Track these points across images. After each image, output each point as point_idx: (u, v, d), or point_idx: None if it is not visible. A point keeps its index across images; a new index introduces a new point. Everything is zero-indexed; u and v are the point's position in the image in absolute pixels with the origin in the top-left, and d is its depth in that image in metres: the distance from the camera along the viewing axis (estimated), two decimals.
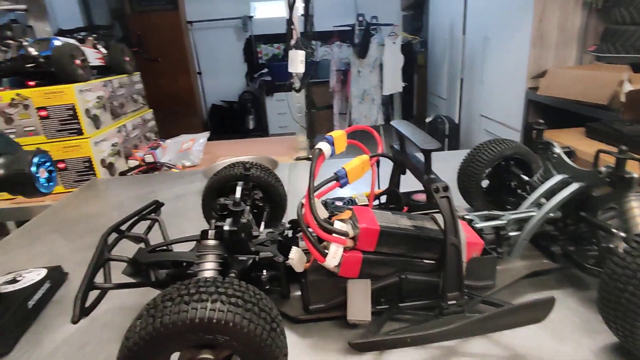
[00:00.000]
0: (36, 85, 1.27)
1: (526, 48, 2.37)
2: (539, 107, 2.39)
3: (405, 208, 0.53)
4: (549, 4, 2.27)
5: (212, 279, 0.33)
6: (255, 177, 0.58)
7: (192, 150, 1.61)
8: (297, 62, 1.03)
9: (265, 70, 4.92)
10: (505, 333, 0.44)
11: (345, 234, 0.42)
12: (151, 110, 1.88)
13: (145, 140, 1.78)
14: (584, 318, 0.46)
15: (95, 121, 1.37)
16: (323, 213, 0.46)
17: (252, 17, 4.95)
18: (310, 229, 0.42)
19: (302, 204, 0.43)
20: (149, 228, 0.55)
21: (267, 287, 0.47)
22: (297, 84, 1.17)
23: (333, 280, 0.45)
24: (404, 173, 0.55)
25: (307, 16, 1.07)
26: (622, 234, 0.45)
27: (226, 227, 0.44)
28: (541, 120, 0.57)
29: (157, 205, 0.58)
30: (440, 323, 0.40)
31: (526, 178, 0.62)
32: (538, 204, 0.54)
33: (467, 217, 0.53)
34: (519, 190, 0.63)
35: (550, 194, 0.53)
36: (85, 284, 0.41)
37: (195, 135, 1.72)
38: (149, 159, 1.54)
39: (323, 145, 0.45)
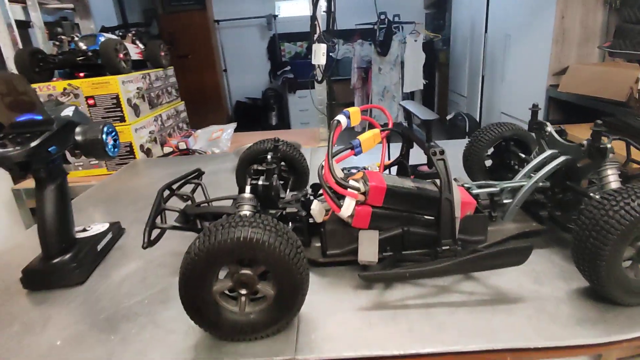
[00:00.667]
0: (85, 77, 1.41)
1: (548, 45, 2.38)
2: (559, 104, 2.40)
3: (412, 177, 0.62)
4: (571, 1, 2.28)
5: (252, 214, 0.43)
6: (283, 150, 0.68)
7: (221, 139, 1.73)
8: (319, 55, 1.12)
9: (288, 67, 5.04)
10: (491, 276, 0.52)
11: (357, 189, 0.51)
12: (183, 102, 2.01)
13: (178, 129, 1.92)
14: (563, 268, 0.53)
15: (136, 110, 1.50)
16: (340, 174, 0.55)
17: (276, 15, 5.08)
18: (328, 185, 0.51)
19: (322, 166, 0.52)
20: (193, 190, 0.66)
21: None
22: (319, 76, 1.26)
23: (347, 230, 0.55)
24: (411, 147, 0.63)
25: (330, 13, 1.15)
26: (597, 197, 0.52)
27: (260, 182, 0.53)
28: (535, 103, 0.65)
29: (199, 172, 0.68)
30: (434, 264, 0.49)
31: (524, 156, 0.69)
32: (529, 176, 0.61)
33: (465, 185, 0.61)
34: (517, 167, 0.71)
35: (540, 167, 0.60)
36: (150, 223, 0.51)
37: (224, 126, 1.84)
38: (182, 146, 1.67)
39: (341, 118, 0.54)
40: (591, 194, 0.53)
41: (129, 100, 1.45)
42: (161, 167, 1.24)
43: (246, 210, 0.53)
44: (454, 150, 0.78)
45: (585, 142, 0.54)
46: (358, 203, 0.52)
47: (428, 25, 4.61)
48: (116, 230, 0.70)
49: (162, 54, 1.81)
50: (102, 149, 0.59)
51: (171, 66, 1.93)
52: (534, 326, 0.44)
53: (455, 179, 0.63)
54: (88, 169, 1.45)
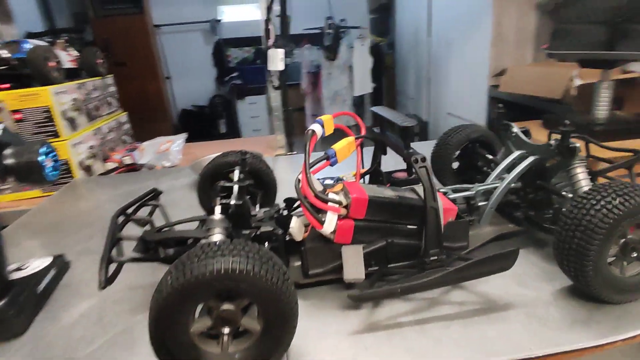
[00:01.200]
0: (10, 88, 1.26)
1: (487, 48, 2.52)
2: (500, 103, 2.54)
3: (388, 184, 0.60)
4: (506, 6, 2.43)
5: (230, 241, 0.38)
6: (250, 163, 0.63)
7: (170, 151, 1.62)
8: (277, 60, 1.08)
9: (236, 73, 4.93)
10: (478, 284, 0.51)
11: (339, 203, 0.47)
12: (125, 113, 1.87)
13: (121, 143, 1.78)
14: (544, 269, 0.54)
15: (72, 123, 1.36)
16: (318, 186, 0.51)
17: (220, 20, 4.94)
18: (308, 200, 0.47)
19: (299, 180, 0.48)
20: (151, 213, 0.59)
21: None
22: (276, 82, 1.22)
23: (329, 246, 0.51)
24: (384, 153, 0.61)
25: (284, 17, 1.12)
26: (570, 195, 0.53)
27: (232, 202, 0.48)
28: (500, 105, 0.65)
29: (156, 192, 0.61)
30: (423, 277, 0.46)
31: (490, 157, 0.70)
32: (501, 178, 0.62)
33: (442, 190, 0.60)
34: (484, 168, 0.71)
35: (510, 168, 0.61)
36: (105, 258, 0.44)
37: (172, 137, 1.73)
38: (128, 160, 1.54)
39: (315, 127, 0.51)
40: (563, 192, 0.54)
41: (63, 113, 1.31)
42: (106, 186, 1.12)
43: (217, 234, 0.48)
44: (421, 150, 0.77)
45: (553, 142, 0.55)
46: (340, 217, 0.48)
47: (373, 30, 4.71)
48: (60, 264, 0.61)
49: (99, 61, 1.67)
50: (39, 174, 0.51)
51: (110, 74, 1.79)
52: (529, 333, 0.43)
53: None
54: (17, 191, 1.29)
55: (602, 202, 0.43)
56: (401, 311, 0.48)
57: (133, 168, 1.51)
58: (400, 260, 0.53)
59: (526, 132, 0.64)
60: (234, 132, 5.06)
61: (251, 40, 5.07)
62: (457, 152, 0.76)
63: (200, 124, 4.98)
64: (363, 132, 0.58)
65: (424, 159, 0.48)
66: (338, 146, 0.53)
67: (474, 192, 0.60)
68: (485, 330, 0.44)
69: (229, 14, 5.07)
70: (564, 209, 0.47)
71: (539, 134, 1.55)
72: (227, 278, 0.35)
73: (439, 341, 0.43)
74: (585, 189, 0.53)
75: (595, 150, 0.64)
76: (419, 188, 0.54)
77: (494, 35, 2.49)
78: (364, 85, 3.90)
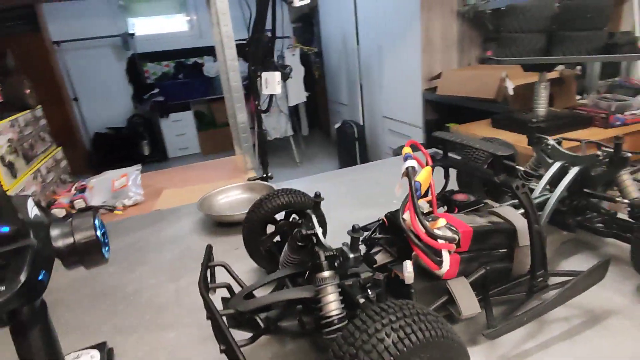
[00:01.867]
0: None
1: (418, 53, 2.69)
2: (435, 105, 2.73)
3: (455, 209, 0.60)
4: (432, 14, 2.62)
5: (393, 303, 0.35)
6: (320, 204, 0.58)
7: (129, 187, 1.45)
8: (274, 84, 1.02)
9: (156, 90, 4.59)
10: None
11: (452, 240, 0.46)
12: (60, 148, 1.63)
13: (61, 183, 1.55)
14: (612, 270, 0.58)
15: (11, 169, 1.15)
16: (426, 224, 0.50)
17: (133, 34, 4.57)
18: (422, 241, 0.45)
19: (404, 219, 0.46)
20: (212, 275, 0.52)
21: None
22: (266, 105, 1.16)
23: (433, 284, 0.49)
24: (448, 177, 0.62)
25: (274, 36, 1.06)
26: (625, 200, 0.58)
27: (351, 255, 0.44)
28: (534, 120, 0.69)
29: (210, 250, 0.54)
30: (543, 300, 0.47)
31: (522, 168, 0.74)
32: (547, 189, 0.65)
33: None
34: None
35: (555, 178, 0.65)
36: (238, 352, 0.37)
37: (125, 170, 1.55)
38: (80, 204, 1.35)
39: (411, 162, 0.49)
40: (617, 199, 0.60)
41: (2, 159, 1.10)
42: None
43: (331, 293, 0.43)
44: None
45: (601, 153, 0.61)
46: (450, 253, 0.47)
47: (298, 39, 4.75)
48: (109, 354, 0.50)
49: (27, 91, 1.44)
50: (99, 252, 0.41)
51: (39, 105, 1.54)
52: (635, 333, 0.46)
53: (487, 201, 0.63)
54: None
55: None
56: (519, 338, 0.48)
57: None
58: (495, 286, 0.53)
59: (560, 143, 0.68)
60: (158, 153, 4.70)
61: (170, 54, 4.77)
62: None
63: (119, 147, 4.54)
64: (429, 161, 0.57)
65: (523, 185, 0.49)
66: (421, 177, 0.52)
67: None
68: (598, 340, 0.46)
69: (142, 27, 4.72)
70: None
71: (489, 133, 1.70)
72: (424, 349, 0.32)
73: (565, 359, 0.44)
74: (634, 194, 0.59)
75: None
76: (499, 210, 0.55)
77: (423, 41, 2.67)
78: (299, 94, 3.92)
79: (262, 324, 0.44)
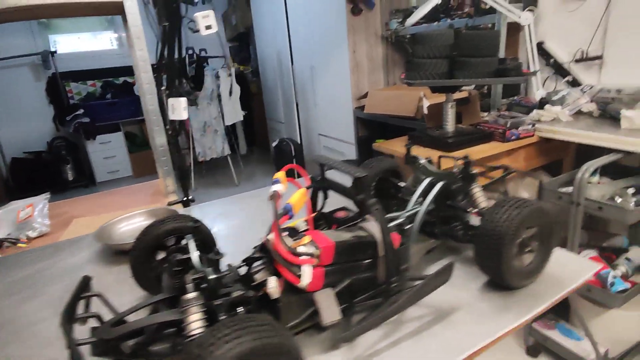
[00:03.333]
0: None
1: (347, 74, 2.84)
2: (365, 122, 2.88)
3: (334, 226, 0.66)
4: (358, 37, 2.78)
5: (229, 317, 0.39)
6: (199, 229, 0.61)
7: (34, 218, 1.37)
8: (179, 110, 1.04)
9: (81, 111, 4.31)
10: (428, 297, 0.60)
11: (312, 255, 0.51)
12: None
13: None
14: (466, 272, 0.67)
15: None
16: (288, 242, 0.54)
17: (54, 52, 4.33)
18: (283, 258, 0.50)
19: (268, 239, 0.51)
20: (87, 305, 0.52)
21: None
22: (173, 131, 1.17)
23: (301, 296, 0.54)
24: (326, 197, 0.67)
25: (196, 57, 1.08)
26: (474, 210, 0.68)
27: (211, 276, 0.47)
28: (409, 142, 0.78)
29: (87, 280, 0.55)
30: (392, 303, 0.53)
31: (403, 184, 0.82)
32: (418, 202, 0.74)
33: None
34: (399, 195, 0.83)
35: (424, 193, 0.73)
36: None
37: (32, 200, 1.47)
38: None
39: (277, 187, 0.54)
40: (468, 210, 0.69)
41: None
42: None
43: (195, 313, 0.46)
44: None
45: (456, 170, 0.70)
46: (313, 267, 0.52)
47: (235, 58, 4.78)
48: None
49: None
50: None
51: None
52: (474, 327, 0.54)
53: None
54: None
55: (505, 216, 0.57)
56: (376, 338, 0.54)
57: None
58: (362, 293, 0.59)
59: (430, 162, 0.77)
60: (84, 177, 4.42)
61: (96, 72, 4.55)
62: (374, 183, 0.87)
63: (39, 173, 4.19)
64: (308, 182, 0.63)
65: (376, 203, 0.55)
66: (293, 200, 0.57)
67: (402, 218, 0.70)
68: (443, 334, 0.53)
69: (64, 45, 4.49)
70: (478, 224, 0.60)
71: (404, 148, 1.83)
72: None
73: (414, 353, 0.50)
74: (483, 204, 0.69)
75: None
76: (364, 224, 0.62)
77: (351, 63, 2.82)
78: (235, 113, 3.92)
79: (126, 350, 0.46)
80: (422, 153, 1.68)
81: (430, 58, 1.59)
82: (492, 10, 1.99)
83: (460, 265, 0.69)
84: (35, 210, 1.40)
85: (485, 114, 2.09)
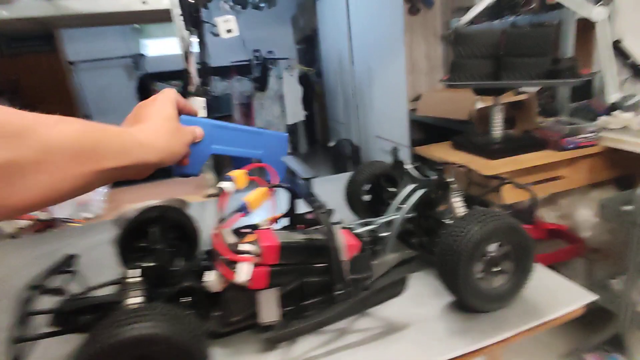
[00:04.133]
0: None
1: (403, 75, 2.76)
2: (419, 125, 2.78)
3: (302, 226, 0.66)
4: (415, 37, 2.70)
5: (141, 303, 0.41)
6: (170, 219, 0.66)
7: (92, 201, 1.56)
8: (198, 109, 1.11)
9: None
10: (384, 309, 0.58)
11: (252, 253, 0.52)
12: None
13: None
14: (437, 288, 0.62)
15: None
16: (232, 239, 0.56)
17: (143, 55, 4.84)
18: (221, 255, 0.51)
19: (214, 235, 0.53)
20: (66, 281, 0.59)
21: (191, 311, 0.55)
22: None
23: (247, 294, 0.55)
24: (297, 197, 0.68)
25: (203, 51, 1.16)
26: (448, 222, 0.63)
27: (145, 264, 0.51)
28: (394, 147, 0.75)
29: (70, 258, 0.62)
30: (329, 312, 0.52)
31: (394, 190, 0.79)
32: (399, 209, 0.70)
33: (348, 225, 0.67)
34: (389, 201, 0.80)
35: (405, 200, 0.70)
36: (14, 337, 0.45)
37: None
38: (43, 216, 1.46)
39: (224, 184, 0.56)
40: (443, 220, 0.64)
41: None
42: (20, 249, 1.06)
43: (133, 297, 0.50)
44: (338, 184, 0.86)
45: (433, 178, 0.65)
46: (256, 265, 0.53)
47: (301, 60, 4.91)
48: None
49: None
50: None
51: None
52: (418, 348, 0.50)
53: (339, 222, 0.69)
54: None
55: (464, 230, 0.53)
56: (314, 345, 0.53)
57: (50, 225, 1.42)
58: (316, 297, 0.58)
59: (419, 168, 0.73)
60: (163, 170, 4.88)
61: (179, 73, 4.99)
62: (368, 187, 0.85)
63: None
64: (276, 181, 0.64)
65: (322, 206, 0.55)
66: (250, 197, 0.58)
67: (377, 224, 0.68)
68: (385, 352, 0.50)
69: (153, 48, 4.98)
70: (440, 236, 0.56)
71: (449, 155, 1.73)
72: (140, 345, 0.38)
73: None
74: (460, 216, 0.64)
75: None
76: (322, 228, 0.61)
77: (408, 64, 2.74)
78: (296, 113, 4.04)
79: (80, 323, 0.51)
80: (463, 159, 1.59)
81: (472, 58, 1.49)
82: (559, 5, 1.80)
83: (434, 281, 0.65)
84: (95, 194, 1.59)
85: (546, 119, 1.90)
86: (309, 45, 4.93)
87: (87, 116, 4.72)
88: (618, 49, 1.81)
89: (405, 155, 2.97)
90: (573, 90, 1.92)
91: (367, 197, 0.86)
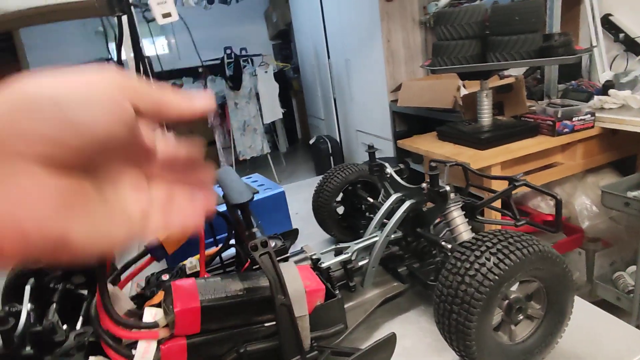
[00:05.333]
0: None
1: (382, 65, 2.59)
2: (402, 116, 2.62)
3: (248, 262, 0.48)
4: (392, 25, 2.53)
5: None
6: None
7: None
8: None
9: None
10: None
11: (153, 326, 0.34)
12: None
13: None
14: (437, 337, 0.45)
15: None
16: (126, 304, 0.38)
17: (110, 59, 4.57)
18: (108, 333, 0.33)
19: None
20: None
21: None
22: None
23: None
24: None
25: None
26: (449, 246, 0.46)
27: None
28: (370, 144, 0.58)
29: None
30: None
31: (371, 200, 0.62)
32: (382, 225, 0.53)
33: (314, 257, 0.50)
34: (367, 213, 0.63)
35: (390, 213, 0.53)
36: None
37: None
38: None
39: None
40: (442, 243, 0.47)
41: None
42: None
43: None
44: (308, 192, 0.68)
45: (424, 185, 0.48)
46: (163, 341, 0.35)
47: (277, 56, 4.70)
48: None
49: None
50: None
51: None
52: None
53: (302, 249, 0.51)
54: None
55: (472, 264, 0.36)
56: None
57: None
58: None
59: (401, 171, 0.56)
60: None
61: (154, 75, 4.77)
62: (340, 197, 0.67)
63: None
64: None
65: (264, 243, 0.37)
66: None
67: (350, 252, 0.51)
68: None
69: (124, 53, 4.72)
70: (441, 273, 0.39)
71: (435, 146, 1.57)
72: None
73: None
74: (464, 235, 0.47)
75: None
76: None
77: (385, 54, 2.57)
78: (274, 111, 3.83)
79: None
80: (450, 151, 1.43)
81: (456, 39, 1.33)
82: None
83: (431, 326, 0.48)
84: None
85: (536, 103, 1.76)
86: (284, 41, 4.73)
87: None
88: (609, 22, 1.67)
89: (388, 149, 2.82)
90: (560, 70, 1.77)
91: (340, 210, 0.69)
